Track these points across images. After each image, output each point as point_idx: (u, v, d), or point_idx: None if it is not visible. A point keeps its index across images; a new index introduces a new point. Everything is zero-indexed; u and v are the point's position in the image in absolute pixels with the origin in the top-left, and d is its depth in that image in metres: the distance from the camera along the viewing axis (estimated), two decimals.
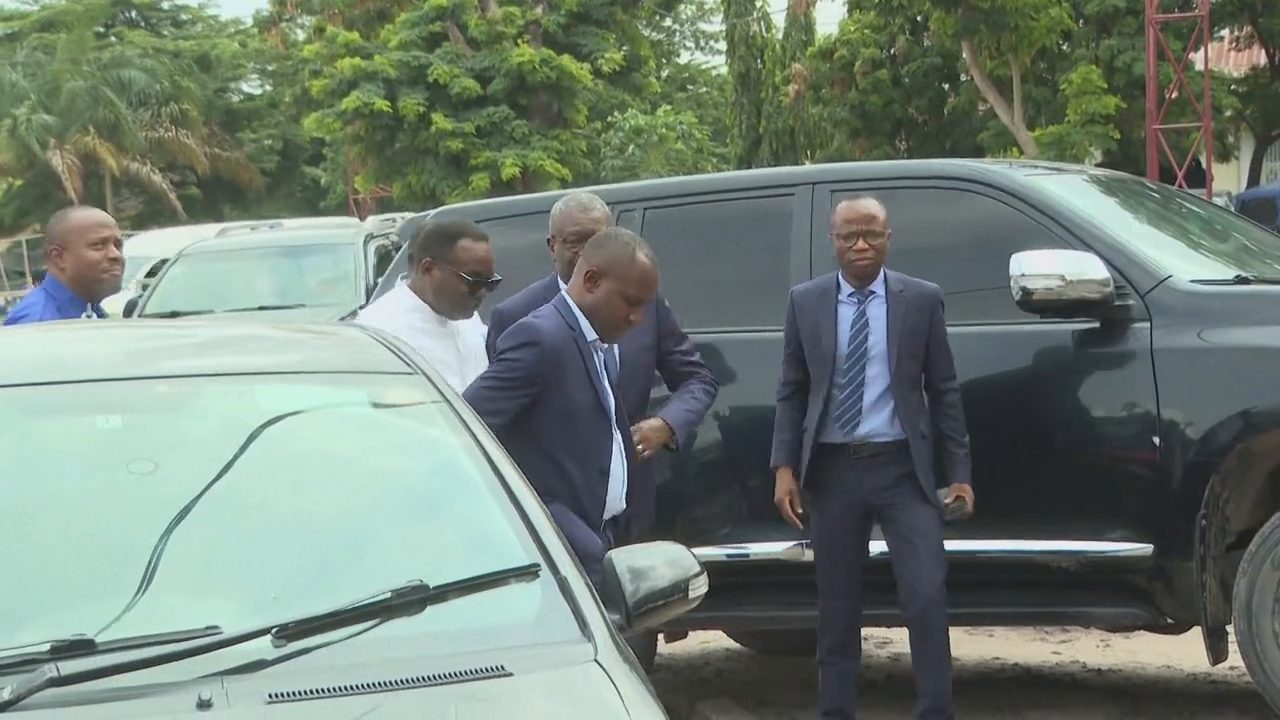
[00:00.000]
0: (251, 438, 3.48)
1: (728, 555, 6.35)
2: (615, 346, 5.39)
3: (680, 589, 3.27)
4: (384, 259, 13.65)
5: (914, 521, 5.79)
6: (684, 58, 48.41)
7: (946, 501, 5.78)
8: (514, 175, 32.25)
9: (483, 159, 32.83)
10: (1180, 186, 19.62)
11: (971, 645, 7.49)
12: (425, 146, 34.00)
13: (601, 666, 2.94)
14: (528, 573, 3.15)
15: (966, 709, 6.18)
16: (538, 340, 4.91)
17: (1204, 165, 21.17)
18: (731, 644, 7.99)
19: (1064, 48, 29.45)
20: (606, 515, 5.04)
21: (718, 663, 7.93)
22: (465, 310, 5.61)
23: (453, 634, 3.01)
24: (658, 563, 3.30)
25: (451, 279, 5.49)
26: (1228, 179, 31.95)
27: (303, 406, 3.72)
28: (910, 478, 5.79)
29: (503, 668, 2.88)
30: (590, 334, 5.00)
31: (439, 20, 34.80)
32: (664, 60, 44.55)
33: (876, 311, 5.85)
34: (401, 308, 5.58)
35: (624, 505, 5.16)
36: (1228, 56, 33.47)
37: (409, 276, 5.77)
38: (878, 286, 5.87)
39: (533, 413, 4.92)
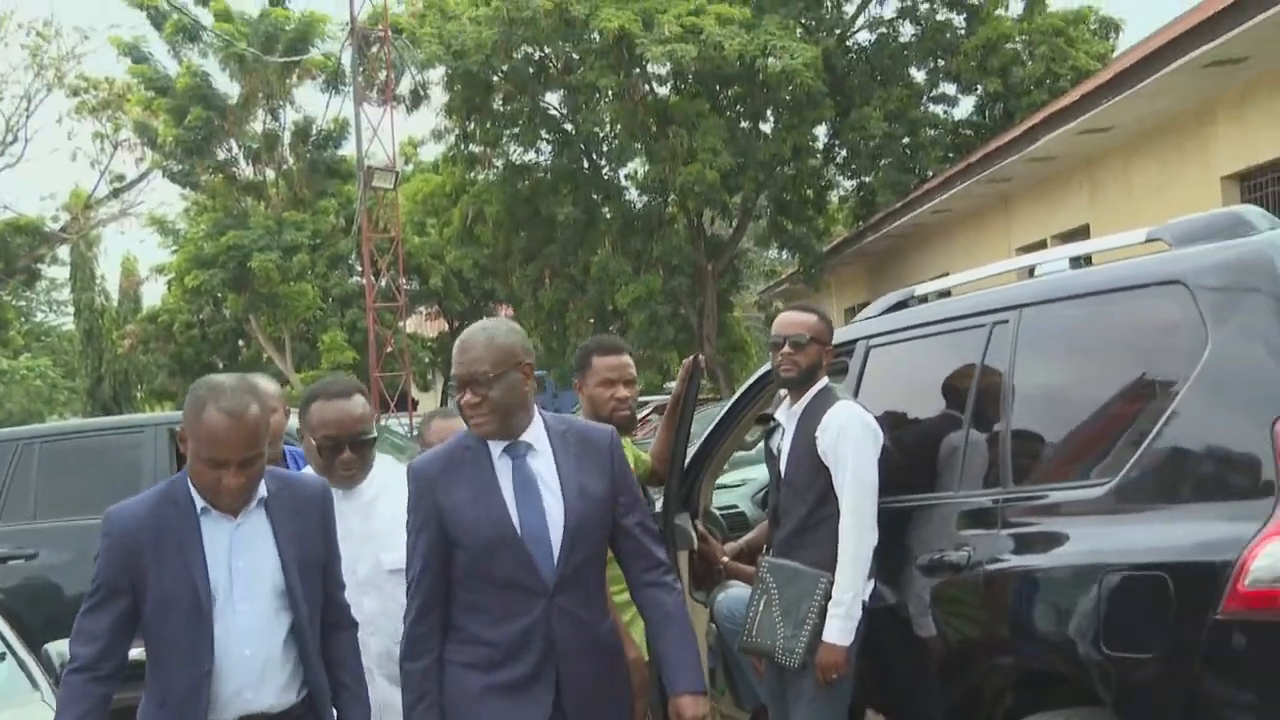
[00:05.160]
0: None
1: None
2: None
3: None
4: None
5: None
6: (39, 317, 45.78)
7: None
8: None
9: None
10: (392, 410, 21.23)
11: None
12: None
13: (46, 704, 3.66)
14: None
15: None
16: (107, 530, 2.89)
17: (408, 395, 22.94)
18: None
19: (319, 317, 30.79)
20: (241, 712, 2.91)
21: None
22: (335, 478, 3.44)
23: None
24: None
25: (310, 446, 3.53)
26: (430, 402, 34.41)
27: None
28: None
29: None
30: (200, 503, 2.92)
31: None
32: (24, 320, 41.98)
33: None
34: None
35: (286, 697, 2.96)
36: (426, 324, 36.19)
37: None
38: None
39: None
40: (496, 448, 3.10)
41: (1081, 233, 13.85)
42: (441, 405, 33.66)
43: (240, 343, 32.93)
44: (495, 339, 3.09)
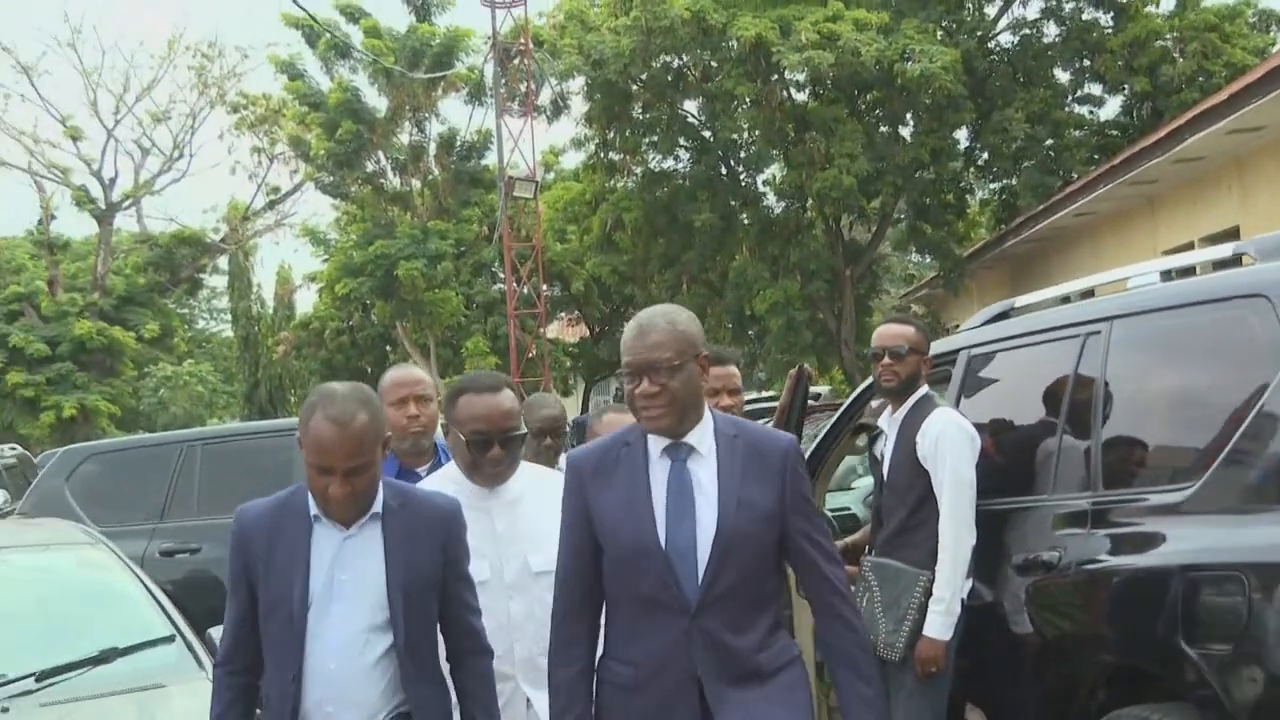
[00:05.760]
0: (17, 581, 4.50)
1: None
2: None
3: None
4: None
5: None
6: (201, 324, 48.06)
7: None
8: (73, 414, 30.97)
9: (51, 402, 31.22)
10: None
11: None
12: (3, 393, 32.24)
13: (209, 680, 4.04)
14: (169, 639, 4.27)
15: None
16: (235, 528, 2.94)
17: None
18: None
19: (463, 324, 31.65)
20: None
21: None
22: (482, 475, 3.33)
23: (133, 670, 4.00)
24: None
25: (458, 441, 3.36)
26: (571, 407, 35.00)
27: (43, 565, 4.69)
28: None
29: (162, 684, 3.95)
30: (314, 510, 2.89)
31: (18, 302, 33.40)
32: (188, 327, 44.15)
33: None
34: (446, 478, 3.41)
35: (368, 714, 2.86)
36: (566, 330, 36.85)
37: None
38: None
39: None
40: (656, 447, 2.82)
41: (1231, 235, 13.53)
42: (581, 411, 34.26)
43: (387, 348, 34.03)
44: (677, 324, 2.80)
